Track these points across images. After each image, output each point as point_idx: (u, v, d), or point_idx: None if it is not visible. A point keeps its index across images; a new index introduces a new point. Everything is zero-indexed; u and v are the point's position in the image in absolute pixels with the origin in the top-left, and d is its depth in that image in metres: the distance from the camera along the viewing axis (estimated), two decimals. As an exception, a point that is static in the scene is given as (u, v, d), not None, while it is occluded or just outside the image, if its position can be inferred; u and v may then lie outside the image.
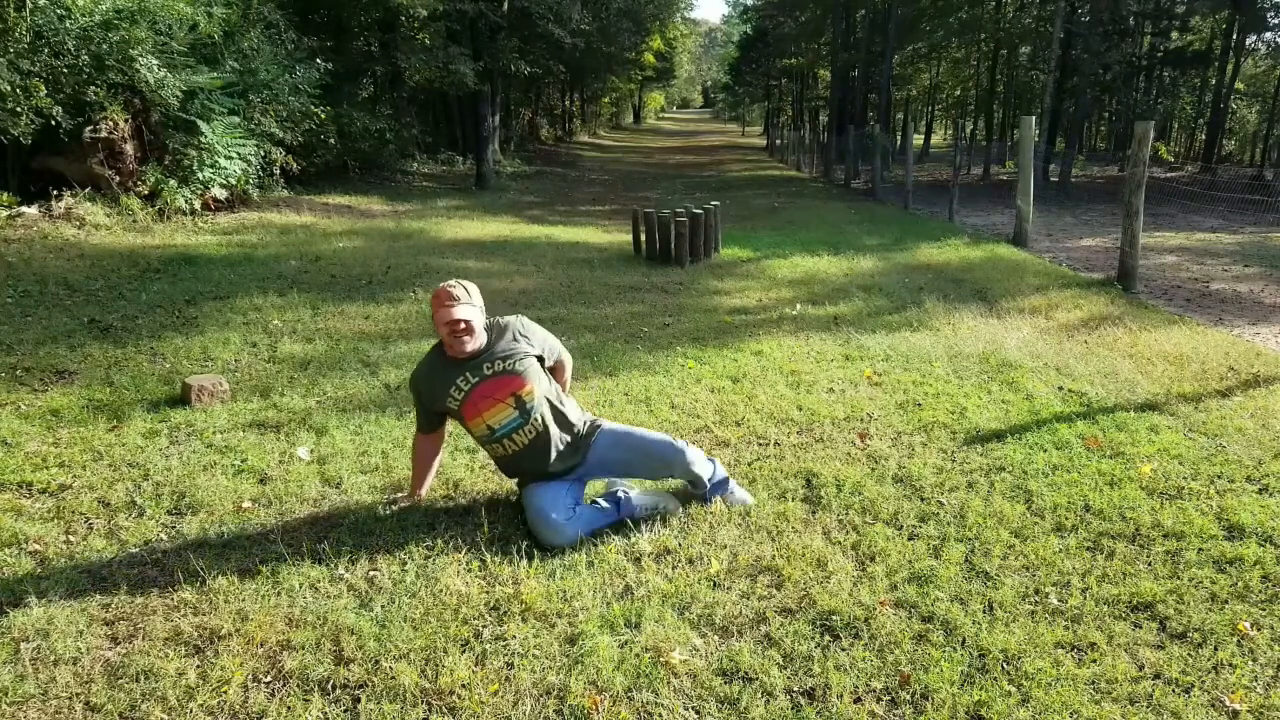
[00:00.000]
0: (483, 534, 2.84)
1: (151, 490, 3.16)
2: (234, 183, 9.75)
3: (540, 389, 2.89)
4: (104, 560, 2.68)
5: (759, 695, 2.11)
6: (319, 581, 2.57)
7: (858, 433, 3.83)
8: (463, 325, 2.76)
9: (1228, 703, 2.10)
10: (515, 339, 2.92)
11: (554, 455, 2.92)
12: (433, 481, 3.19)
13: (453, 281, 2.85)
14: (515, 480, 3.08)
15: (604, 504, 2.99)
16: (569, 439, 2.96)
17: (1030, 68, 27.95)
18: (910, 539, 2.88)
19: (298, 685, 2.13)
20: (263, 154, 10.53)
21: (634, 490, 3.07)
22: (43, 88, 7.51)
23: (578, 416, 3.04)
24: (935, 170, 22.91)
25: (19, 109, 7.36)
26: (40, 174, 8.45)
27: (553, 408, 2.93)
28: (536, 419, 2.86)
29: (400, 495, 3.12)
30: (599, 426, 3.04)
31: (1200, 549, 2.81)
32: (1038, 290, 7.10)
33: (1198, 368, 4.85)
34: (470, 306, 2.80)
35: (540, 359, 2.95)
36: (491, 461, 3.44)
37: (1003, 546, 2.82)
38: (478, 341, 2.83)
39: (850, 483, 3.28)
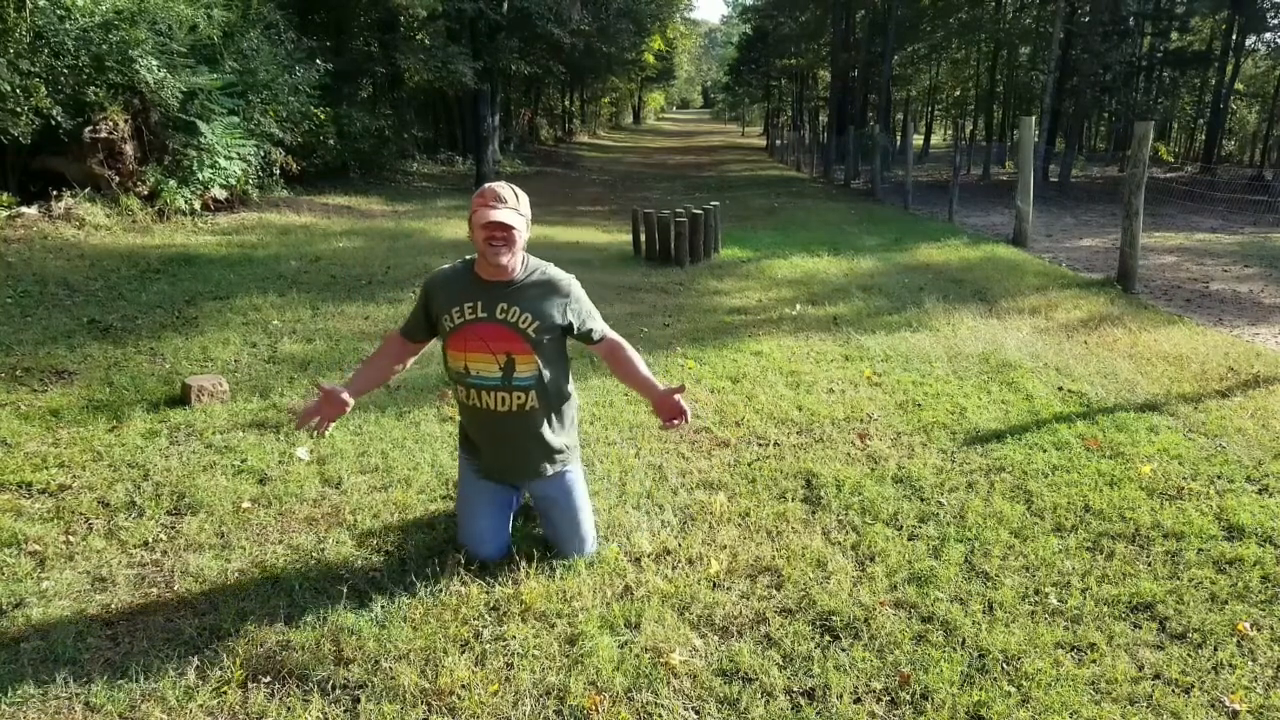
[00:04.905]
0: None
1: (151, 490, 3.16)
2: (234, 183, 9.75)
3: (544, 371, 2.48)
4: (104, 560, 2.68)
5: (759, 695, 2.11)
6: (319, 581, 2.57)
7: (858, 433, 3.83)
8: (502, 233, 2.35)
9: (1228, 703, 2.10)
10: (554, 299, 2.47)
11: (509, 450, 2.57)
12: (371, 392, 2.82)
13: (502, 182, 2.44)
14: (459, 444, 2.72)
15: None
16: (538, 449, 2.58)
17: (1030, 68, 27.94)
18: (910, 539, 2.88)
19: (298, 685, 2.13)
20: (262, 154, 10.54)
21: None
22: (43, 88, 7.51)
23: (563, 437, 2.62)
24: (935, 170, 22.93)
25: (19, 109, 7.36)
26: (40, 174, 8.45)
27: (546, 400, 2.53)
28: (518, 395, 2.49)
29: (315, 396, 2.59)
30: (565, 474, 2.65)
31: (1200, 549, 2.81)
32: (1037, 290, 7.10)
33: (1197, 368, 4.85)
34: (517, 214, 2.38)
35: (566, 330, 2.51)
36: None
37: (1003, 547, 2.82)
38: (514, 259, 2.41)
39: (850, 483, 3.28)
